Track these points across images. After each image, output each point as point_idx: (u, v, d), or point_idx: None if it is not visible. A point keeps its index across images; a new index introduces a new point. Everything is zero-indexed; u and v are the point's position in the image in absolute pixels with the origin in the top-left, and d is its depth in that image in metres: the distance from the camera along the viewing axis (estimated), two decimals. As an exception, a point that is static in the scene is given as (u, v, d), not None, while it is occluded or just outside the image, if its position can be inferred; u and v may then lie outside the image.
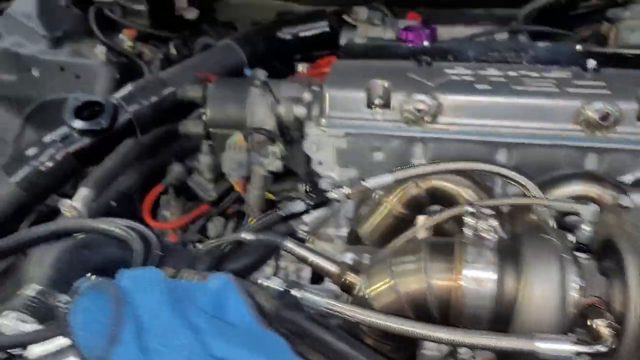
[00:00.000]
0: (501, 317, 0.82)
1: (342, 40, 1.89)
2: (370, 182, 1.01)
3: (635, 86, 1.15)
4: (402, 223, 1.18)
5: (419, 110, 1.16)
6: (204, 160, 1.44)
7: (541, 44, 1.41)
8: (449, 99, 1.19)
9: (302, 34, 1.89)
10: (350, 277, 0.93)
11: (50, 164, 1.44)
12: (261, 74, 1.38)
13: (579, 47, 1.35)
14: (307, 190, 1.24)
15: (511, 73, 1.24)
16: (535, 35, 1.81)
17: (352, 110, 1.24)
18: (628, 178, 1.16)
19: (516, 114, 1.17)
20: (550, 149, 1.17)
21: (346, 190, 1.02)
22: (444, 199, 1.12)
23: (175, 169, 1.58)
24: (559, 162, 1.18)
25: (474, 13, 2.11)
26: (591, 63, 1.22)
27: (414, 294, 0.87)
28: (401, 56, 1.36)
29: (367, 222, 1.21)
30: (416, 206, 1.15)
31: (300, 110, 1.27)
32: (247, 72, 1.43)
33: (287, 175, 1.36)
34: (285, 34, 1.88)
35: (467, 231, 0.86)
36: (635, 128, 1.12)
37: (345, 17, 1.94)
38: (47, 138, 1.47)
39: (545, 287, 0.79)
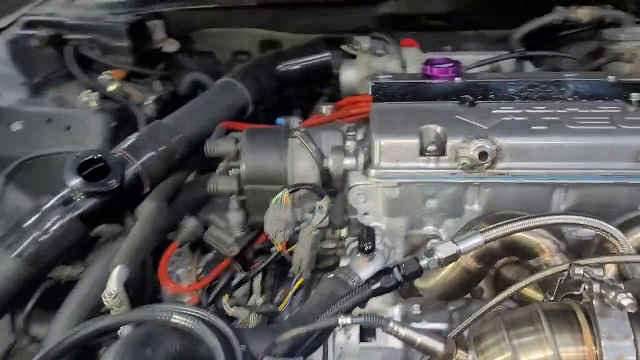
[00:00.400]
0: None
1: (344, 72, 1.83)
2: (462, 246, 0.94)
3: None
4: (474, 277, 1.12)
5: (480, 156, 1.10)
6: (234, 217, 1.32)
7: (570, 75, 1.39)
8: (507, 143, 1.14)
9: (302, 66, 1.81)
10: (460, 355, 0.85)
11: (54, 231, 1.29)
12: (296, 122, 1.29)
13: (611, 78, 1.35)
14: (364, 246, 1.16)
15: (560, 110, 1.21)
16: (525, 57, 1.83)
17: (404, 159, 1.17)
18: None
19: (575, 154, 1.14)
20: (610, 189, 1.15)
21: (439, 255, 0.94)
22: (521, 251, 1.07)
23: (190, 224, 1.45)
24: (618, 202, 1.17)
25: (462, 34, 2.12)
26: (636, 97, 1.22)
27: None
28: (439, 95, 1.30)
29: (434, 277, 1.14)
30: (490, 259, 1.10)
31: (348, 162, 1.19)
32: (280, 121, 1.33)
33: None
34: (286, 66, 1.79)
35: (589, 296, 0.81)
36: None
37: (344, 47, 1.87)
38: (47, 202, 1.31)
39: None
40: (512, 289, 0.92)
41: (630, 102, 1.23)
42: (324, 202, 1.20)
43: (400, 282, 0.94)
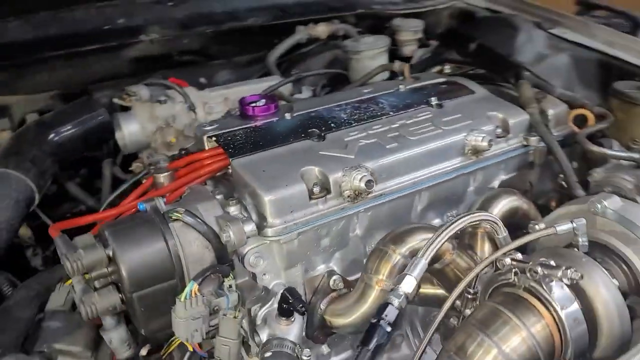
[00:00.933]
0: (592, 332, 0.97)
1: (125, 127, 1.62)
2: (415, 274, 0.98)
3: (478, 110, 1.43)
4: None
5: (367, 184, 1.15)
6: (116, 336, 1.06)
7: (369, 90, 1.55)
8: (377, 165, 1.22)
9: (77, 130, 1.52)
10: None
11: None
12: (161, 202, 1.09)
13: (402, 87, 1.55)
14: (287, 309, 1.09)
15: (394, 125, 1.35)
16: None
17: (297, 208, 1.14)
18: (495, 184, 1.45)
19: (425, 160, 1.29)
20: (451, 182, 1.34)
21: (405, 290, 0.96)
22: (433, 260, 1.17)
23: None
24: (457, 190, 1.38)
25: (214, 64, 2.11)
26: (434, 100, 1.45)
27: (524, 353, 0.93)
28: (288, 136, 1.29)
29: (355, 312, 1.15)
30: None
31: (249, 228, 1.08)
32: (142, 206, 1.09)
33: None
34: (58, 135, 1.48)
35: (527, 280, 0.97)
36: (501, 143, 1.40)
37: (117, 100, 1.66)
38: None
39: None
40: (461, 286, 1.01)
41: (433, 105, 1.45)
42: (231, 280, 1.08)
43: (390, 331, 0.93)
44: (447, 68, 1.81)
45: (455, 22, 2.23)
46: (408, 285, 0.98)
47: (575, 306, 0.96)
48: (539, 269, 0.96)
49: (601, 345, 0.98)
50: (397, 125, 1.35)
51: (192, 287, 1.00)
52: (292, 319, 1.12)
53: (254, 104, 1.41)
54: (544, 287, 0.96)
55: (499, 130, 1.41)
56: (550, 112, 1.49)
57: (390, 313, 0.94)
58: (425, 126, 1.36)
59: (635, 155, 1.40)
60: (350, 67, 2.00)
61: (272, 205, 1.11)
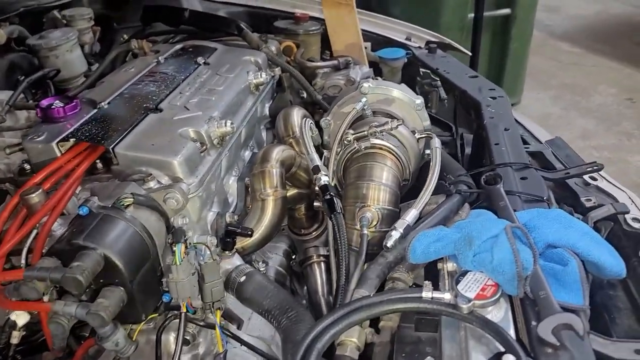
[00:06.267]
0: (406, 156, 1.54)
1: None
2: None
3: (233, 58, 1.77)
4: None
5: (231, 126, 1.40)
6: (120, 336, 1.03)
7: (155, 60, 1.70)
8: (220, 113, 1.46)
9: None
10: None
11: None
12: (96, 199, 1.07)
13: (161, 58, 1.74)
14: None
15: (196, 85, 1.58)
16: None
17: (197, 163, 1.31)
18: (266, 110, 1.86)
19: (238, 102, 1.59)
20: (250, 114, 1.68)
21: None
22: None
23: None
24: (254, 121, 1.73)
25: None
26: (200, 59, 1.72)
27: (391, 179, 1.44)
28: (127, 117, 1.36)
29: (260, 224, 1.40)
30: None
31: (185, 188, 1.19)
32: (84, 209, 0.99)
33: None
34: None
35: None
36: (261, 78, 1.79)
37: None
38: None
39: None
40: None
41: (201, 64, 1.71)
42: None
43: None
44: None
45: (100, 6, 2.40)
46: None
47: (398, 142, 1.51)
48: (374, 130, 1.46)
49: (412, 165, 1.56)
50: (198, 84, 1.58)
51: (180, 249, 1.10)
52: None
53: (56, 106, 1.37)
54: (382, 139, 1.47)
55: (256, 68, 1.79)
56: (273, 48, 1.95)
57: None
58: (217, 78, 1.63)
59: (330, 63, 2.03)
60: (48, 64, 1.95)
61: (183, 166, 1.24)
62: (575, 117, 4.77)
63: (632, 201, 1.41)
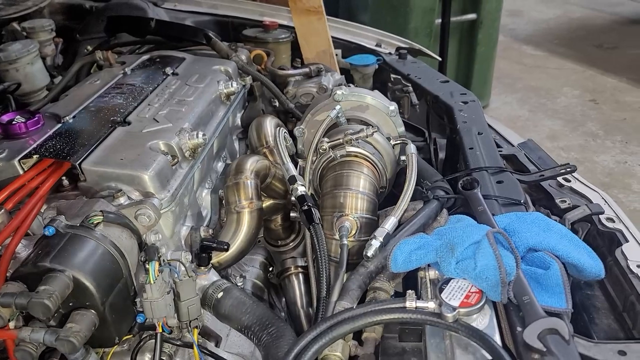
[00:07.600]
0: (381, 162, 1.53)
1: None
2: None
3: (202, 68, 1.74)
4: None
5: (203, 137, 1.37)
6: (96, 361, 0.99)
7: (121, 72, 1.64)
8: (191, 125, 1.42)
9: None
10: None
11: None
12: (63, 218, 1.02)
13: (127, 69, 1.69)
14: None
15: (165, 96, 1.54)
16: None
17: (169, 176, 1.27)
18: (237, 120, 1.82)
19: (209, 112, 1.55)
20: (222, 125, 1.65)
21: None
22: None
23: None
24: (225, 132, 1.69)
25: None
26: (169, 70, 1.68)
27: (369, 187, 1.42)
28: (93, 130, 1.32)
29: (236, 238, 1.36)
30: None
31: (157, 203, 1.14)
32: (51, 230, 0.93)
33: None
34: None
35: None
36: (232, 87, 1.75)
37: None
38: None
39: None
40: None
41: (170, 74, 1.67)
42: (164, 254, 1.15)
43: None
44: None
45: (62, 17, 2.34)
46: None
47: (373, 149, 1.49)
48: (349, 138, 1.44)
49: (388, 172, 1.55)
50: (167, 95, 1.54)
51: (154, 267, 1.06)
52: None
53: (17, 122, 1.31)
54: (358, 147, 1.45)
55: (226, 78, 1.76)
56: (243, 57, 1.92)
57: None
58: (187, 89, 1.59)
59: (302, 71, 2.01)
60: (8, 78, 1.88)
61: (154, 180, 1.20)
62: (542, 118, 4.85)
63: (605, 201, 1.42)
